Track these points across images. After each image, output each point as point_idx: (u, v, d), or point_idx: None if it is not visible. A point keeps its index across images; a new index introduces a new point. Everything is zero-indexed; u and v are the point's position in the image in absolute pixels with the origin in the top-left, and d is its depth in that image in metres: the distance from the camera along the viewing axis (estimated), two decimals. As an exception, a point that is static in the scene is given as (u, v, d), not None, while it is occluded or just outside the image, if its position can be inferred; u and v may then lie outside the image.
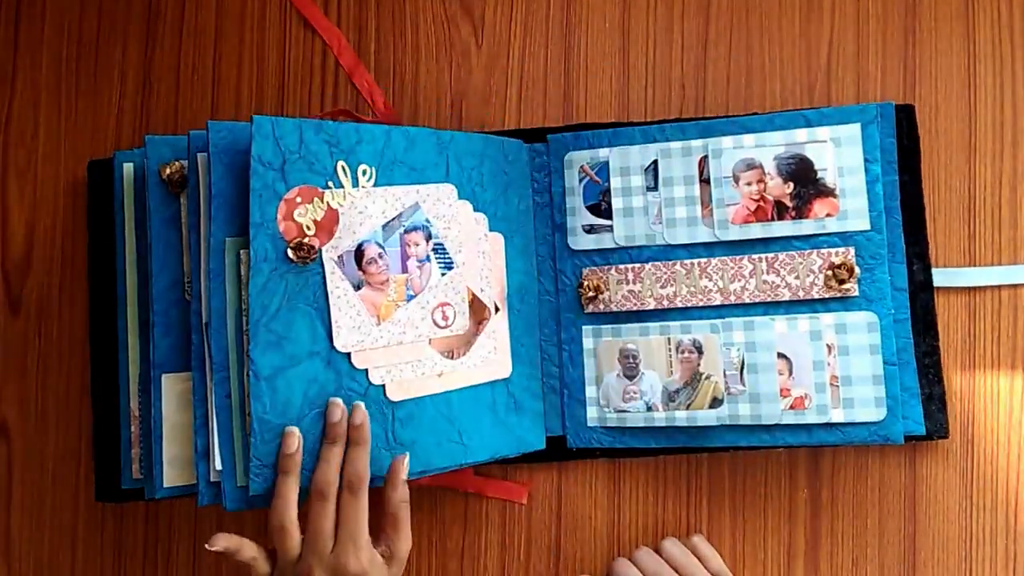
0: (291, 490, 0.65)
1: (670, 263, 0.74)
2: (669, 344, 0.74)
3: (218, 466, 0.66)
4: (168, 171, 0.71)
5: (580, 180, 0.76)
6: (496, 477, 0.78)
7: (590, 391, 0.76)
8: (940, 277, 0.74)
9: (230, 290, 0.66)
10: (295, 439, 0.65)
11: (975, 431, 0.74)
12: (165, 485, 0.70)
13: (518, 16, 0.81)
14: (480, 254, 0.73)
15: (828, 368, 0.72)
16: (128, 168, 0.75)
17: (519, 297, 0.76)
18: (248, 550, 0.65)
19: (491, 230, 0.74)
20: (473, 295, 0.73)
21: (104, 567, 0.80)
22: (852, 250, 0.72)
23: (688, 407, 0.73)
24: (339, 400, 0.66)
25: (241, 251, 0.65)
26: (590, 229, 0.76)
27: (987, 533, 0.74)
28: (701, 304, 0.74)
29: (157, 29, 0.83)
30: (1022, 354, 0.74)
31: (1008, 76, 0.75)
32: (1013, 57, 0.75)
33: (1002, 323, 0.74)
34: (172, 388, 0.70)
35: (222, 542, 0.65)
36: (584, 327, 0.76)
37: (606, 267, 0.76)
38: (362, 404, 0.67)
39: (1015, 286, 0.74)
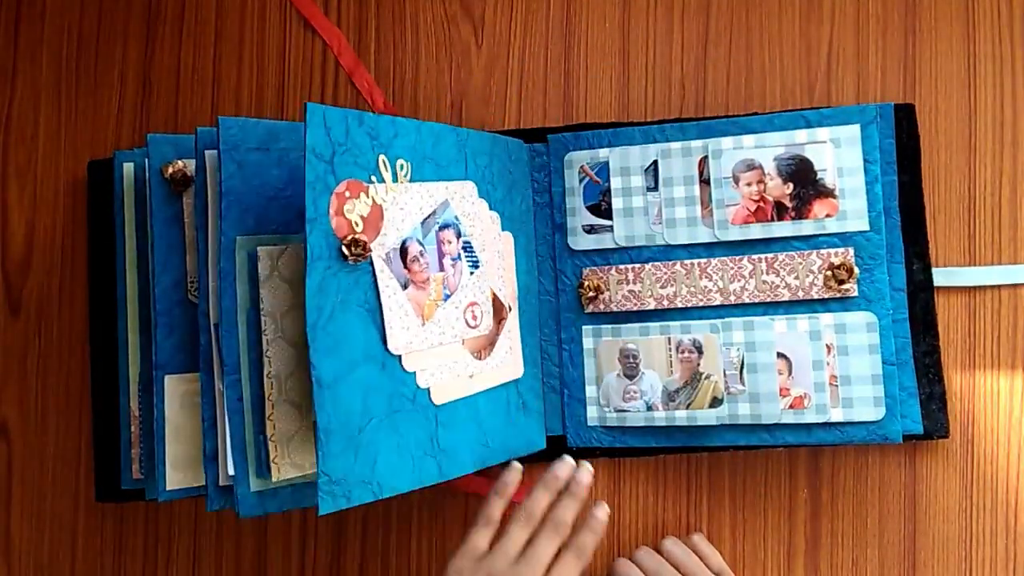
0: (502, 508, 0.69)
1: (670, 263, 0.74)
2: (669, 344, 0.74)
3: (230, 471, 0.64)
4: (170, 170, 0.70)
5: (580, 180, 0.77)
6: (496, 477, 0.78)
7: (590, 391, 0.76)
8: (940, 277, 0.74)
9: (241, 290, 0.64)
10: (517, 472, 0.71)
11: (975, 431, 0.74)
12: (168, 488, 0.70)
13: (518, 16, 0.81)
14: (497, 253, 0.73)
15: (827, 368, 0.72)
16: (128, 168, 0.75)
17: (523, 297, 0.76)
18: (500, 508, 0.69)
19: (502, 229, 0.74)
20: (494, 294, 0.72)
21: (104, 567, 0.80)
22: (851, 250, 0.72)
23: (688, 407, 0.73)
24: (568, 460, 0.71)
25: (259, 248, 0.64)
26: (590, 229, 0.76)
27: (987, 533, 0.74)
28: (701, 304, 0.74)
29: (157, 29, 0.83)
30: (1022, 354, 0.74)
31: (1008, 76, 0.75)
32: (1013, 57, 0.75)
33: (1002, 323, 0.74)
34: (175, 389, 0.70)
35: (517, 475, 0.70)
36: (584, 327, 0.76)
37: (606, 267, 0.76)
38: (606, 507, 0.70)
39: (1015, 286, 0.74)
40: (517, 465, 0.71)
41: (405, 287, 0.66)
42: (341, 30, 0.82)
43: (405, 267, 0.66)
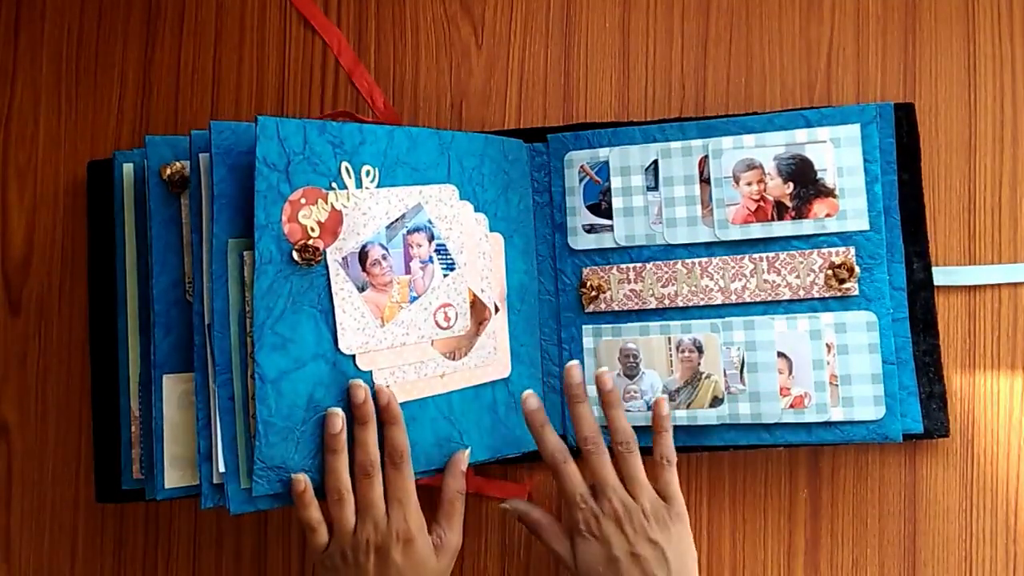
0: (342, 465, 0.66)
1: (671, 263, 0.74)
2: (670, 343, 0.74)
3: (221, 468, 0.65)
4: (168, 171, 0.70)
5: (580, 180, 0.77)
6: (496, 477, 0.78)
7: (591, 390, 0.76)
8: (940, 276, 0.74)
9: (233, 291, 0.65)
10: (339, 419, 0.66)
11: (975, 431, 0.74)
12: (166, 486, 0.70)
13: (518, 16, 0.81)
14: (481, 255, 0.73)
15: (828, 367, 0.72)
16: (128, 168, 0.75)
17: (519, 297, 0.76)
18: (314, 511, 0.66)
19: (491, 230, 0.74)
20: (474, 296, 0.73)
21: (104, 567, 0.80)
22: (852, 250, 0.72)
23: (688, 406, 0.73)
24: (360, 381, 0.67)
25: (245, 252, 0.65)
26: (590, 229, 0.76)
27: (987, 533, 0.74)
28: (702, 303, 0.74)
29: (157, 29, 0.83)
30: (1022, 354, 0.74)
31: (1008, 76, 0.75)
32: (1013, 57, 0.75)
33: (1002, 322, 0.74)
34: (173, 389, 0.70)
35: (301, 486, 0.65)
36: (584, 326, 0.76)
37: (607, 266, 0.76)
38: (384, 386, 0.68)
39: (1015, 285, 0.74)
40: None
41: (362, 290, 0.67)
42: (341, 30, 0.82)
43: (364, 271, 0.67)
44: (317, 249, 0.65)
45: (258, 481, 0.64)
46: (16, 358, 0.82)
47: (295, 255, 0.64)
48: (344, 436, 0.66)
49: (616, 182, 0.75)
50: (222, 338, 0.65)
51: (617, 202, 0.75)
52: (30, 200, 0.82)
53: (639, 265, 0.75)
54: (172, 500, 0.76)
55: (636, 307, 0.75)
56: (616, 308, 0.75)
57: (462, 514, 0.70)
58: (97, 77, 0.83)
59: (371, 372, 0.68)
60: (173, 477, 0.70)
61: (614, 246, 0.75)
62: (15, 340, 0.82)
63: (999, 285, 0.74)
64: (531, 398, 0.70)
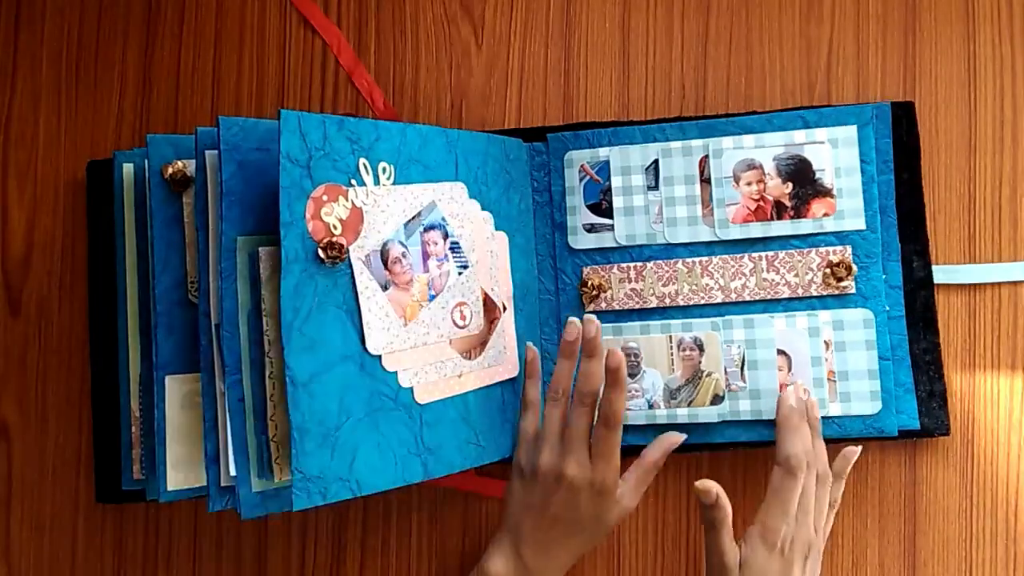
0: (537, 388, 0.73)
1: (671, 262, 0.75)
2: (670, 342, 0.74)
3: (232, 472, 0.64)
4: (170, 170, 0.70)
5: (580, 179, 0.77)
6: (496, 477, 0.78)
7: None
8: (940, 274, 0.74)
9: (242, 290, 0.64)
10: (533, 351, 0.74)
11: (975, 431, 0.74)
12: (169, 488, 0.69)
13: (518, 16, 0.81)
14: (489, 253, 0.73)
15: (825, 364, 0.72)
16: (128, 168, 0.75)
17: (521, 296, 0.75)
18: (533, 389, 0.74)
19: (496, 229, 0.74)
20: (485, 294, 0.72)
21: (104, 568, 0.80)
22: (849, 248, 0.72)
23: (689, 404, 0.73)
24: (594, 317, 0.69)
25: (261, 250, 0.63)
26: (591, 228, 0.76)
27: (987, 533, 0.74)
28: (702, 302, 0.74)
29: (157, 29, 0.83)
30: (1022, 353, 0.74)
31: (1008, 76, 0.75)
32: (1013, 57, 0.75)
33: (1002, 321, 0.74)
34: (176, 390, 0.70)
35: (531, 354, 0.75)
36: (585, 326, 0.76)
37: (607, 266, 0.76)
38: (619, 351, 0.68)
39: (1015, 283, 0.74)
40: (530, 344, 0.75)
41: (386, 288, 0.66)
42: (341, 30, 0.82)
43: (386, 269, 0.66)
44: (342, 246, 0.63)
45: (298, 494, 0.60)
46: (16, 358, 0.81)
47: (320, 253, 0.62)
48: (578, 345, 0.69)
49: (616, 181, 0.76)
50: (231, 338, 0.63)
51: (618, 201, 0.76)
52: (30, 200, 0.82)
53: (640, 264, 0.75)
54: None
55: (637, 306, 0.75)
56: (617, 307, 0.75)
57: (647, 485, 0.70)
58: (97, 77, 0.83)
59: (396, 373, 0.66)
60: (176, 479, 0.70)
61: (615, 245, 0.76)
62: (15, 340, 0.82)
63: (999, 284, 0.74)
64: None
